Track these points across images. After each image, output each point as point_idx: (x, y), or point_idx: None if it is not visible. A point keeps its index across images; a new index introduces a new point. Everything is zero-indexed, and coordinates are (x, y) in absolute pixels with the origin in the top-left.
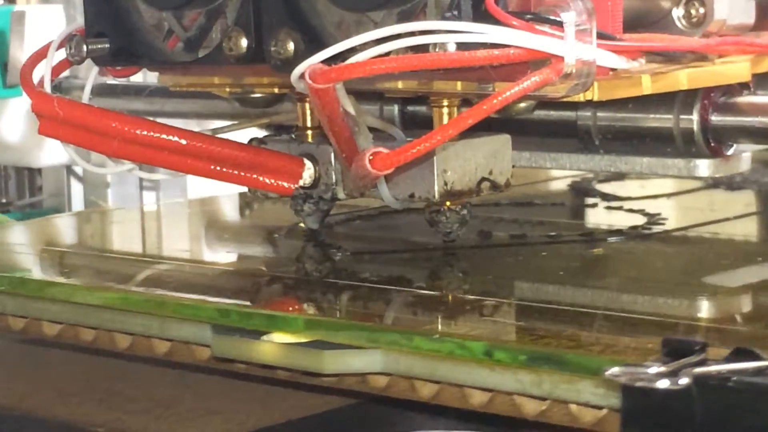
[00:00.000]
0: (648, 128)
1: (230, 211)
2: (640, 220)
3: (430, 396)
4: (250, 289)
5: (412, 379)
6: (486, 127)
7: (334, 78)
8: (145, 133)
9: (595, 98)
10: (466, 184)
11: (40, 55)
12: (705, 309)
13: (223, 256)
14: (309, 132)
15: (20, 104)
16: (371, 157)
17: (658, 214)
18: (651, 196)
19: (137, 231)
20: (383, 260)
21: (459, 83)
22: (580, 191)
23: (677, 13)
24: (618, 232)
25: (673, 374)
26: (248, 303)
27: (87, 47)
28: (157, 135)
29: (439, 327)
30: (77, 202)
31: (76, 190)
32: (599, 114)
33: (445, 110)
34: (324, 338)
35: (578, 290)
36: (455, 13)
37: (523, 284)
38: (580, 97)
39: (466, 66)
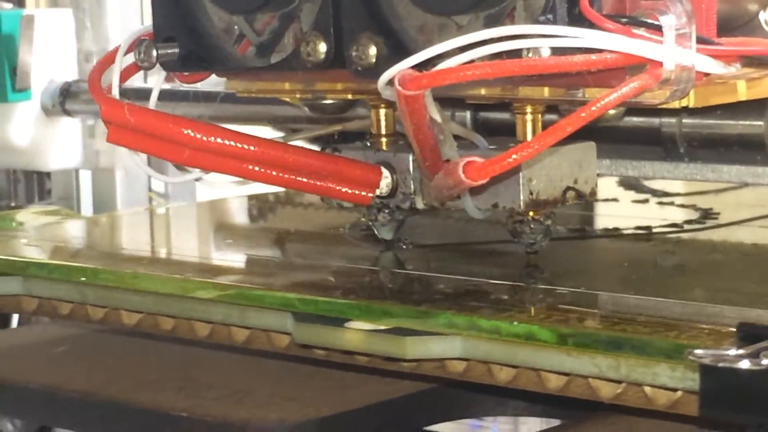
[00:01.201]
0: (737, 135)
1: (277, 211)
2: (693, 214)
3: (507, 380)
4: (326, 283)
5: (489, 363)
6: None
7: (426, 85)
8: (218, 140)
9: (691, 105)
10: (551, 194)
11: (108, 60)
12: None
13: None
14: (384, 139)
15: (29, 108)
16: (464, 167)
17: (710, 209)
18: (699, 192)
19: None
20: (448, 253)
21: (546, 89)
22: (629, 187)
23: (764, 16)
24: (674, 225)
25: (753, 356)
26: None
27: (157, 52)
28: (230, 143)
29: (516, 314)
30: (86, 206)
31: (85, 193)
32: (685, 120)
33: (529, 117)
34: (403, 325)
35: (645, 280)
36: (549, 17)
37: (590, 275)
38: (676, 104)
39: (562, 72)
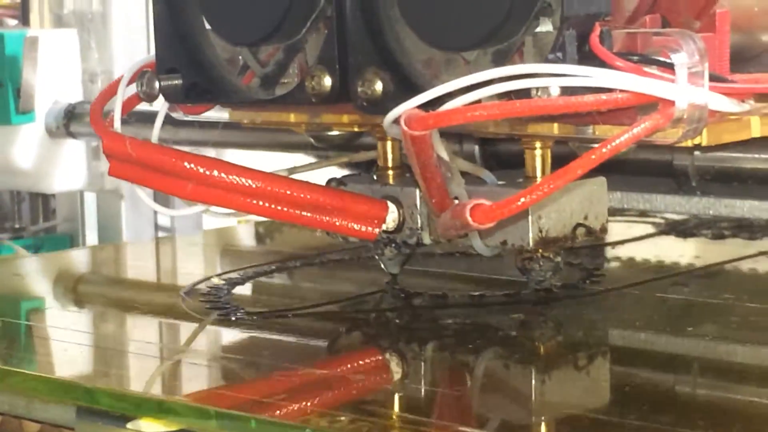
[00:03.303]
0: (750, 170)
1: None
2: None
3: None
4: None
5: None
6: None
7: (432, 125)
8: (221, 175)
9: (704, 143)
10: (561, 231)
11: (110, 91)
12: None
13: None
14: (390, 172)
15: (33, 130)
16: (472, 209)
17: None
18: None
19: None
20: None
21: (555, 126)
22: None
23: None
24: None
25: None
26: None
27: (159, 83)
28: (234, 178)
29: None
30: (91, 227)
31: (90, 214)
32: (697, 154)
33: (538, 152)
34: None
35: None
36: (559, 54)
37: None
38: (688, 143)
39: (572, 112)
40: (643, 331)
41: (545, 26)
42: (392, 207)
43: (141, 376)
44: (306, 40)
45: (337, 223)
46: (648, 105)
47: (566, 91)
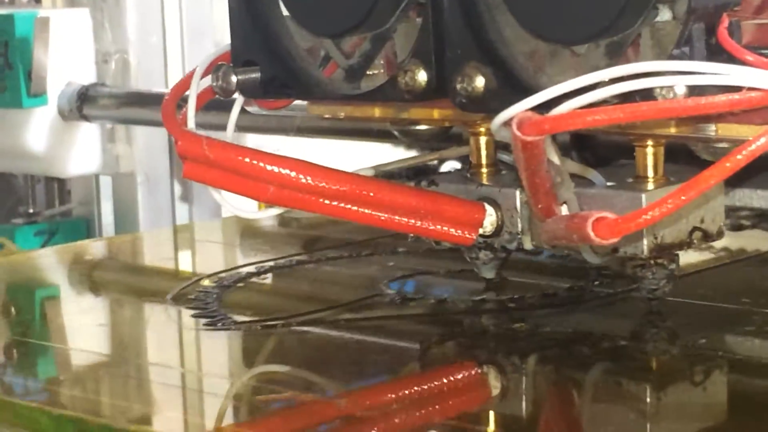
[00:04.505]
0: None
1: None
2: None
3: None
4: None
5: None
6: None
7: (548, 130)
8: (306, 179)
9: None
10: (676, 237)
11: (182, 87)
12: None
13: None
14: (484, 171)
15: (46, 113)
16: (594, 223)
17: None
18: None
19: None
20: None
21: (673, 125)
22: None
23: None
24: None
25: None
26: None
27: (237, 78)
28: (320, 182)
29: None
30: (107, 211)
31: (106, 197)
32: None
33: (650, 150)
34: None
35: None
36: (686, 50)
37: None
38: None
39: (702, 115)
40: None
41: (664, 15)
42: (490, 209)
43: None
44: (395, 29)
45: (431, 228)
46: None
47: (693, 90)
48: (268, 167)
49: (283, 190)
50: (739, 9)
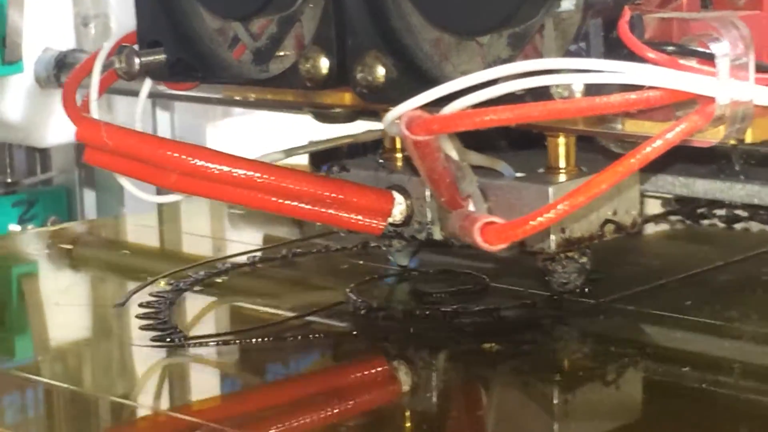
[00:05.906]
0: None
1: None
2: None
3: None
4: None
5: None
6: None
7: (437, 130)
8: (209, 166)
9: (749, 140)
10: (587, 230)
11: (83, 69)
12: None
13: None
14: (398, 155)
15: (23, 81)
16: (482, 229)
17: None
18: None
19: None
20: None
21: (580, 120)
22: None
23: None
24: None
25: None
26: None
27: (140, 60)
28: (223, 168)
29: None
30: (89, 179)
31: (87, 166)
32: None
33: (561, 140)
34: None
35: None
36: (582, 45)
37: None
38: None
39: (597, 115)
40: None
41: (567, 4)
42: (399, 198)
43: None
44: (302, 12)
45: (338, 216)
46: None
47: (591, 88)
48: (170, 154)
49: (186, 178)
50: (642, 2)
